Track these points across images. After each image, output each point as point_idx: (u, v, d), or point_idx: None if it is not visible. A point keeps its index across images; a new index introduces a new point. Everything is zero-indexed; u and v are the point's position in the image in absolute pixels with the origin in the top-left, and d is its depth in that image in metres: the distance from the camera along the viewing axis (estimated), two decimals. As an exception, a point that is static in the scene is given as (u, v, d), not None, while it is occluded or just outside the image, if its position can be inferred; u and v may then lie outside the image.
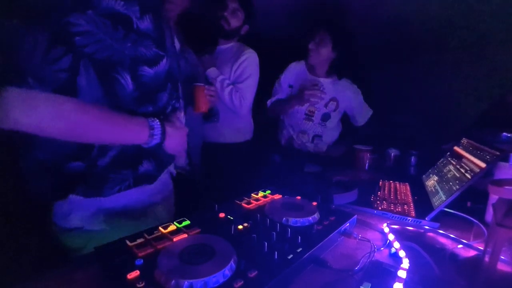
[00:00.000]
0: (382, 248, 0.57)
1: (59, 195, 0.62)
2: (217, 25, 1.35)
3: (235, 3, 1.33)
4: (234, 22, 1.35)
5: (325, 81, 1.45)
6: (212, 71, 1.35)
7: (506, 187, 0.46)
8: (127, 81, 0.57)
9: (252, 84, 1.41)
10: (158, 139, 0.61)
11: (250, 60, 1.39)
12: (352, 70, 1.78)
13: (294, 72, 1.50)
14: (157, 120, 0.61)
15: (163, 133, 0.62)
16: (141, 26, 0.57)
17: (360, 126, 1.58)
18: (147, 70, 0.60)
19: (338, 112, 1.49)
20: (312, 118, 1.47)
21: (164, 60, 0.63)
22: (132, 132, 0.59)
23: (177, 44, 0.80)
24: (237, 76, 1.39)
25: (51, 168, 0.60)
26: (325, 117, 1.47)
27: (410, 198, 0.86)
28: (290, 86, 1.48)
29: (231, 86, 1.37)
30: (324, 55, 1.39)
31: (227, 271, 0.41)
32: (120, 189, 0.64)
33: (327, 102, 1.45)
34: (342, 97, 1.47)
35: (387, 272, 0.47)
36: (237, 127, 1.46)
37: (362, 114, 1.56)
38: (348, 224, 0.61)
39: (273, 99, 1.51)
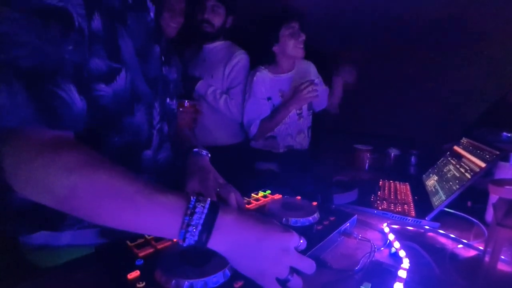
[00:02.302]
0: (382, 248, 0.57)
1: (7, 228, 0.53)
2: (201, 31, 1.28)
3: (213, 1, 1.24)
4: (217, 21, 1.28)
5: (294, 72, 1.42)
6: (200, 87, 1.32)
7: (506, 186, 0.46)
8: (73, 96, 0.39)
9: (245, 88, 1.39)
10: (194, 236, 0.36)
11: (242, 62, 1.36)
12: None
13: (264, 82, 1.37)
14: (205, 198, 0.38)
15: (208, 224, 0.36)
16: (92, 25, 0.43)
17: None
18: (105, 89, 0.47)
19: None
20: (302, 114, 1.44)
21: (123, 74, 0.49)
22: (153, 216, 0.37)
23: None
24: (231, 80, 1.36)
25: None
26: (309, 106, 1.46)
27: (410, 198, 0.86)
28: (269, 99, 1.37)
29: (224, 96, 1.34)
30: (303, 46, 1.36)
31: (227, 271, 0.41)
32: (80, 227, 0.54)
33: None
34: (312, 76, 1.44)
35: (387, 272, 0.47)
36: (231, 130, 1.45)
37: (324, 98, 1.50)
38: (348, 224, 0.61)
39: (257, 121, 1.35)
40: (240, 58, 1.36)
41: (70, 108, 0.39)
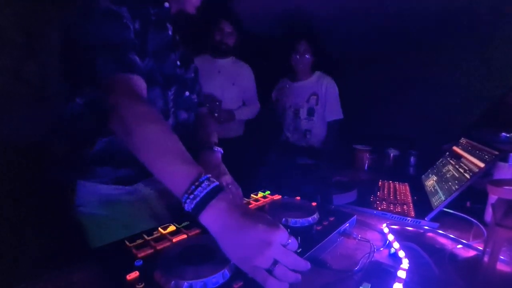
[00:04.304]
0: (381, 249, 0.57)
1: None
2: (218, 49, 1.54)
3: (229, 27, 1.52)
4: (231, 42, 1.55)
5: (307, 81, 1.65)
6: (239, 114, 1.63)
7: (505, 187, 0.46)
8: (138, 61, 0.61)
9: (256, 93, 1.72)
10: (191, 203, 0.43)
11: (251, 74, 1.68)
12: (351, 71, 1.78)
13: (278, 88, 1.75)
14: (215, 181, 0.46)
15: (205, 199, 0.43)
16: (135, 26, 0.63)
17: (329, 124, 1.68)
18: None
19: (320, 106, 1.62)
20: (299, 115, 1.64)
21: (146, 61, 0.66)
22: (172, 172, 0.47)
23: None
24: (248, 90, 1.67)
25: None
26: (310, 112, 1.63)
27: (409, 198, 0.86)
28: (276, 100, 1.73)
29: (245, 107, 1.67)
30: (308, 62, 1.60)
31: (226, 271, 0.41)
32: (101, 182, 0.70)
33: (308, 98, 1.63)
34: (321, 89, 1.62)
35: (386, 272, 0.47)
36: (240, 121, 1.68)
37: (332, 110, 1.65)
38: (347, 225, 0.61)
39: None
40: (249, 71, 1.68)
41: (139, 66, 0.60)
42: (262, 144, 1.71)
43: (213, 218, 0.43)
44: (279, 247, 0.40)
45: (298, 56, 1.58)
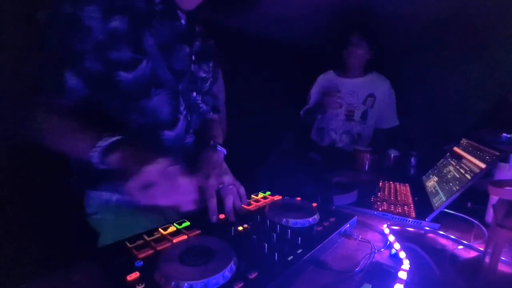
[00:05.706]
0: (382, 249, 0.57)
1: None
2: None
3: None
4: None
5: (360, 80, 1.51)
6: None
7: (506, 188, 0.46)
8: (67, 76, 0.57)
9: None
10: (96, 156, 0.50)
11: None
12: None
13: (322, 83, 1.58)
14: (117, 137, 0.52)
15: (107, 149, 0.50)
16: (111, 25, 0.55)
17: (379, 130, 1.57)
18: (125, 76, 0.59)
19: (375, 109, 1.51)
20: (353, 117, 1.51)
21: (144, 63, 0.60)
22: (76, 143, 0.55)
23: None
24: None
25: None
26: (364, 115, 1.51)
27: (410, 199, 0.86)
28: (323, 95, 1.54)
29: None
30: (362, 58, 1.45)
31: (227, 272, 0.41)
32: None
33: (365, 99, 1.50)
34: (378, 91, 1.50)
35: (387, 273, 0.47)
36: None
37: (389, 117, 1.56)
38: (348, 225, 0.61)
39: (304, 109, 1.61)
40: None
41: (63, 85, 0.56)
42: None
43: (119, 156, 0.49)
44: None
45: (351, 49, 1.43)
